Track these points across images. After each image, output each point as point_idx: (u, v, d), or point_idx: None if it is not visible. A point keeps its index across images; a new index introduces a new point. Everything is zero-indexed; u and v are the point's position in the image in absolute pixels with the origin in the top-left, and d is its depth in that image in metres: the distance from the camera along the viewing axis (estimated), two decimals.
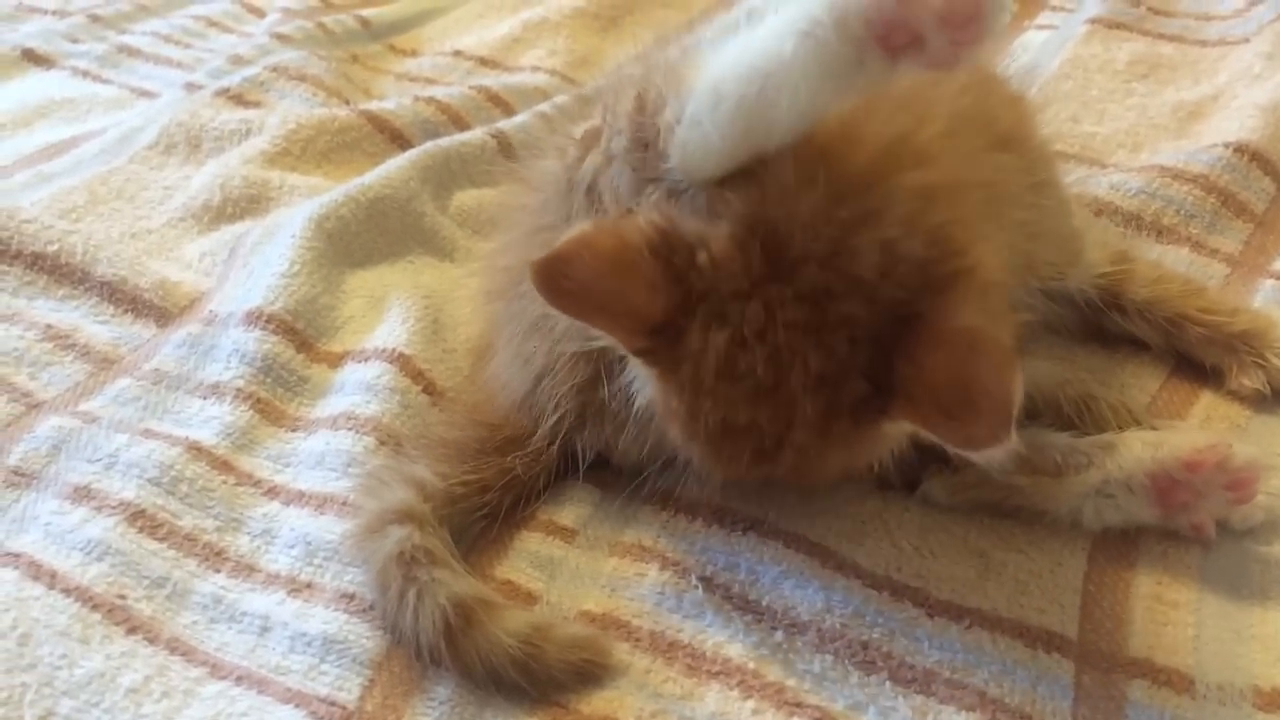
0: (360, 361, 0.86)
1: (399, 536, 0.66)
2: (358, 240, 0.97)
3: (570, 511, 0.76)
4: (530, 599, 0.70)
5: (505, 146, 1.10)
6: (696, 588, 0.70)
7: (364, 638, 0.66)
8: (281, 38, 1.35)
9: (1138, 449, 0.70)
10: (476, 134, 1.11)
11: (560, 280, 0.59)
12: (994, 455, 0.56)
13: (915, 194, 0.60)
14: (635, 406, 0.68)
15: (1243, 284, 0.92)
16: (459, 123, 1.18)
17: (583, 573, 0.72)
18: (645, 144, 0.65)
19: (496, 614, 0.64)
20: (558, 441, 0.75)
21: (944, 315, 0.58)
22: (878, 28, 0.53)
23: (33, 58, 1.36)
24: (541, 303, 0.70)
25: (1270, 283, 0.91)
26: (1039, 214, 0.73)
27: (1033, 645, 0.66)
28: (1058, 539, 0.72)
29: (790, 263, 0.59)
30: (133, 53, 1.38)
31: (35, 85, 1.30)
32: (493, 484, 0.72)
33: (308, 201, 1.00)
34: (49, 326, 0.91)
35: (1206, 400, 0.82)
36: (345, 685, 0.63)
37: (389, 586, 0.65)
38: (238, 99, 1.22)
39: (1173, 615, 0.67)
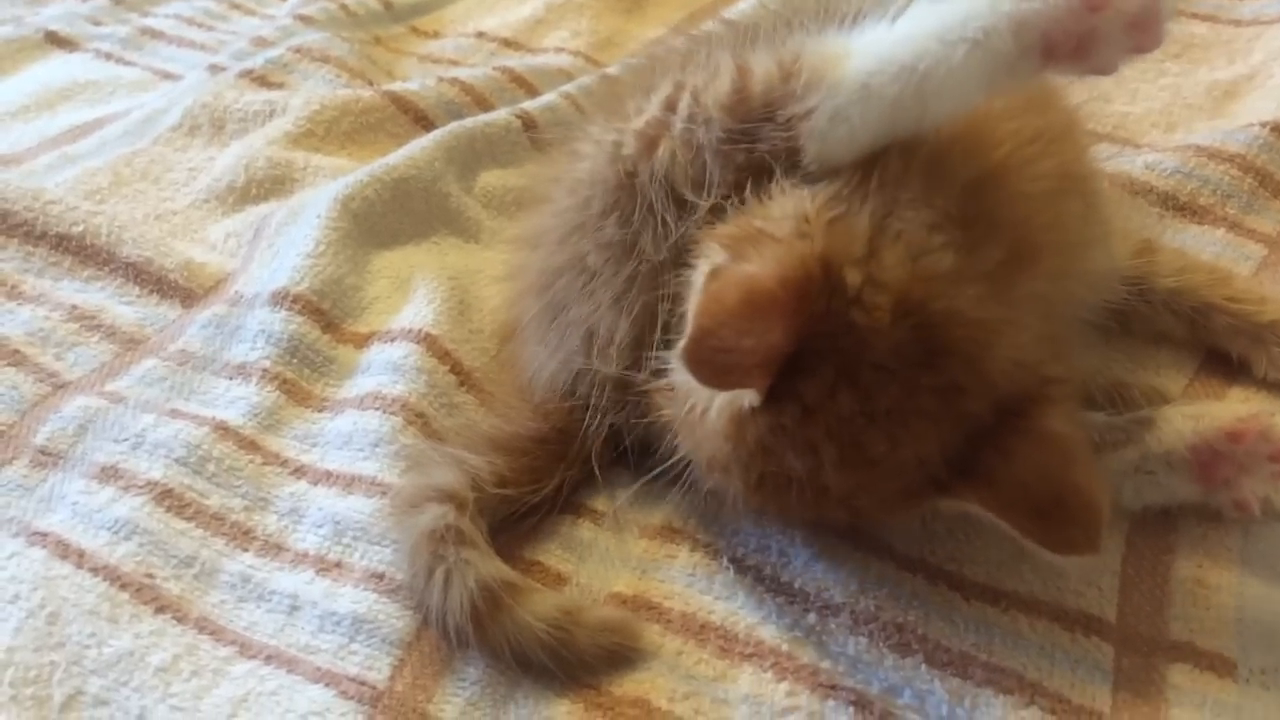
0: (386, 342, 0.85)
1: (435, 514, 0.65)
2: (383, 221, 0.96)
3: (599, 493, 0.75)
4: (560, 580, 0.69)
5: (530, 127, 1.09)
6: (728, 569, 0.69)
7: (394, 617, 0.65)
8: (304, 19, 1.34)
9: (1177, 422, 0.69)
10: (501, 114, 1.10)
11: (716, 355, 0.56)
12: (1078, 564, 0.59)
13: (1038, 300, 0.62)
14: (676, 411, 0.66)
15: (1277, 267, 0.90)
16: (483, 104, 1.17)
17: (612, 555, 0.71)
18: (747, 134, 0.64)
19: (524, 597, 0.64)
20: (597, 434, 0.74)
21: (1041, 418, 0.59)
22: (1053, 37, 0.55)
23: (55, 40, 1.35)
24: (576, 300, 0.70)
25: None
26: (1095, 249, 0.72)
27: (1071, 629, 0.65)
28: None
29: (937, 353, 0.58)
30: (155, 35, 1.37)
31: (58, 68, 1.30)
32: (542, 478, 0.72)
33: (332, 182, 1.00)
34: (75, 307, 0.90)
35: (1237, 393, 0.80)
36: (375, 665, 0.63)
37: (419, 564, 0.64)
38: (261, 80, 1.21)
39: (1214, 599, 0.66)
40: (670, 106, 0.69)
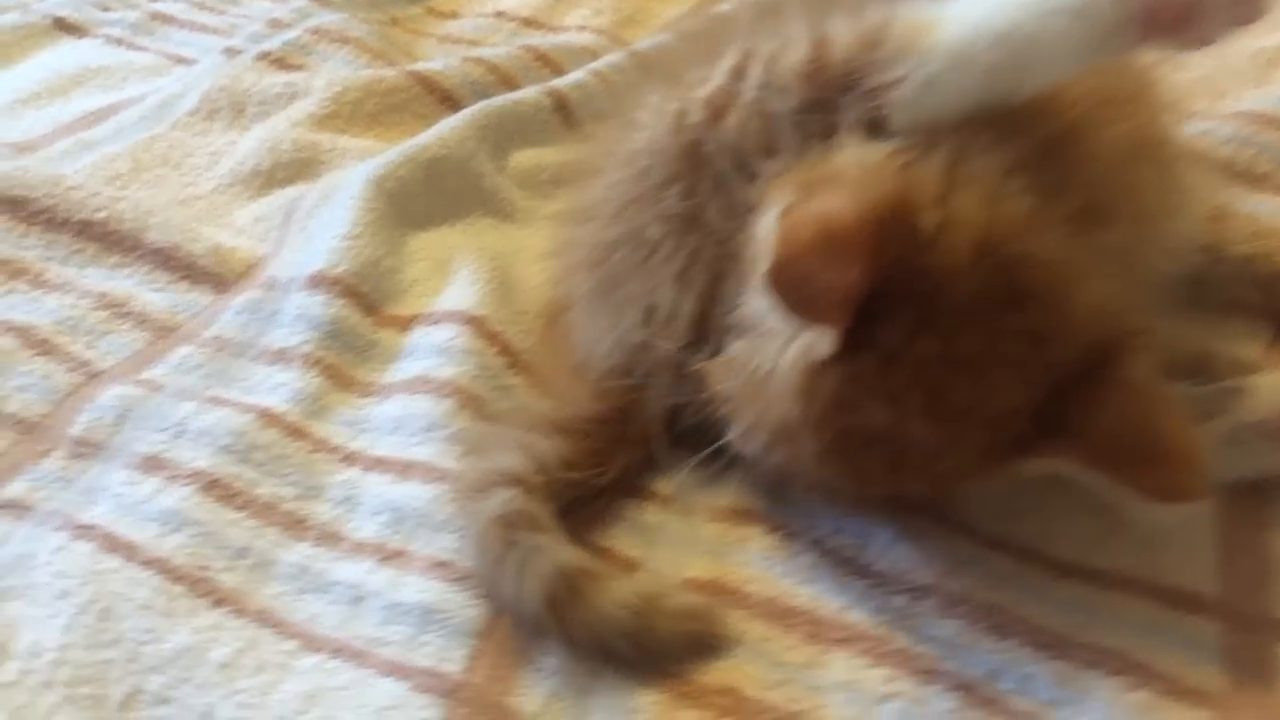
0: (430, 324, 0.82)
1: (503, 498, 0.62)
2: (417, 202, 0.93)
3: (663, 476, 0.72)
4: (630, 567, 0.66)
5: (561, 105, 1.07)
6: (806, 551, 0.66)
7: (464, 607, 0.62)
8: (319, 0, 1.31)
9: (1268, 390, 0.67)
10: (531, 93, 1.07)
11: (798, 283, 0.55)
12: (1184, 510, 0.55)
13: (1117, 255, 0.60)
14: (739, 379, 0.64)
15: None
16: (509, 83, 1.14)
17: (682, 539, 0.68)
18: (824, 104, 0.62)
19: (603, 585, 0.61)
20: (656, 414, 0.71)
21: (1126, 368, 0.57)
22: (1154, 8, 0.54)
23: (64, 26, 1.32)
24: (634, 276, 0.67)
25: None
26: (1171, 218, 0.70)
27: (1173, 606, 0.62)
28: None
29: (1019, 296, 0.56)
30: (166, 19, 1.34)
31: (68, 54, 1.27)
32: (606, 460, 0.69)
33: (363, 163, 0.96)
34: (102, 295, 0.87)
35: None
36: (449, 656, 0.60)
37: (489, 550, 0.61)
38: (279, 63, 1.18)
39: None
40: (739, 74, 0.66)
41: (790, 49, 0.64)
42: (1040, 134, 0.60)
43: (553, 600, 0.59)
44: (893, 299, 0.55)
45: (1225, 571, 0.64)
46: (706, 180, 0.67)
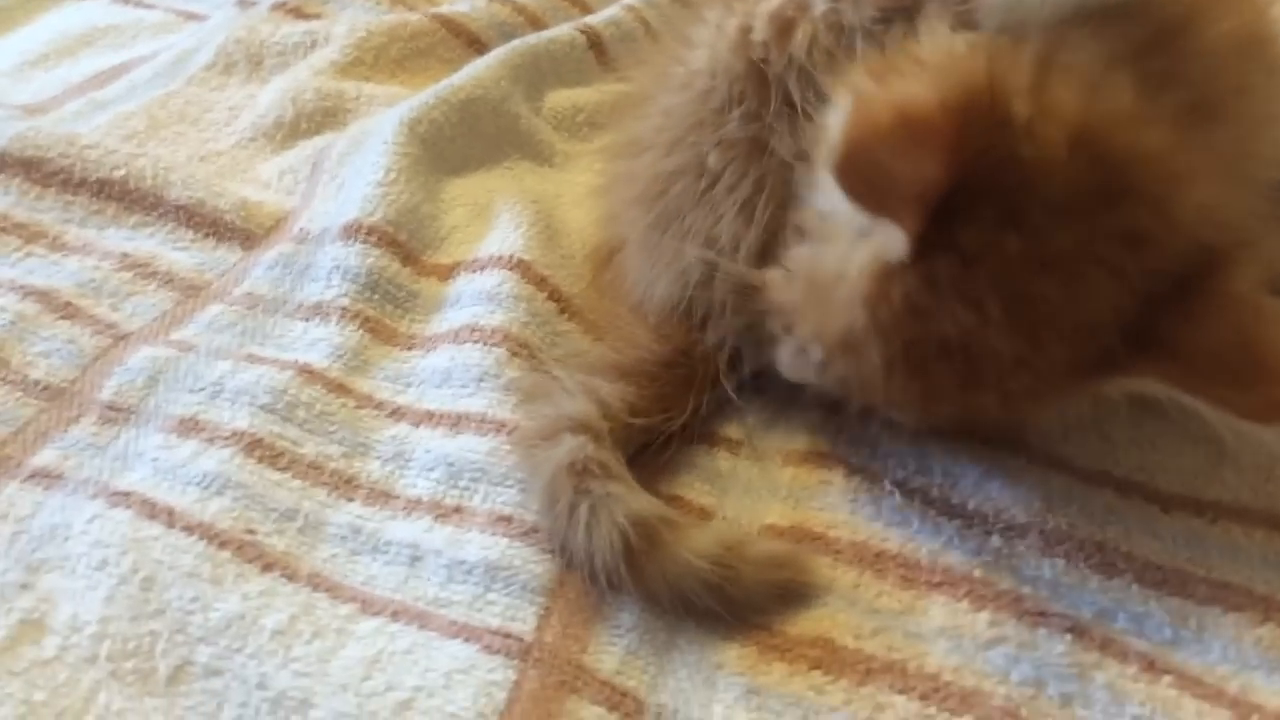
0: (475, 271, 0.77)
1: (572, 445, 0.58)
2: (453, 146, 0.88)
3: (731, 420, 0.68)
4: (704, 515, 0.62)
5: (596, 43, 1.02)
6: (891, 493, 0.62)
7: (531, 562, 0.58)
8: None
9: None
10: (565, 30, 1.02)
11: (867, 171, 0.50)
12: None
13: (1235, 147, 0.55)
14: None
15: None
16: (537, 24, 1.09)
17: (757, 485, 0.64)
18: (906, 11, 0.57)
19: (682, 533, 0.56)
20: (721, 354, 0.66)
21: (1229, 282, 0.52)
22: None
23: None
24: (694, 208, 0.63)
25: None
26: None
27: None
28: None
29: (1119, 194, 0.51)
30: None
31: (73, 15, 1.21)
32: (674, 405, 0.64)
33: (392, 109, 0.92)
34: (125, 255, 0.83)
35: None
36: (518, 615, 0.56)
37: (558, 500, 0.57)
38: (296, 12, 1.13)
39: None
40: None
41: None
42: (1145, 27, 0.55)
43: (629, 551, 0.55)
44: (977, 195, 0.50)
45: None
46: (772, 103, 0.62)
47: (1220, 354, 0.51)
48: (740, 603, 0.55)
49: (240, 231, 0.85)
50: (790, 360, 0.62)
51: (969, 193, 0.50)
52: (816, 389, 0.63)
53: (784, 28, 0.62)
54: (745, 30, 0.63)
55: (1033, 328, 0.52)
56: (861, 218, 0.53)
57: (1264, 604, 0.54)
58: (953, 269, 0.51)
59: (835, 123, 0.51)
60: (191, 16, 1.20)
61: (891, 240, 0.52)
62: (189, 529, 0.60)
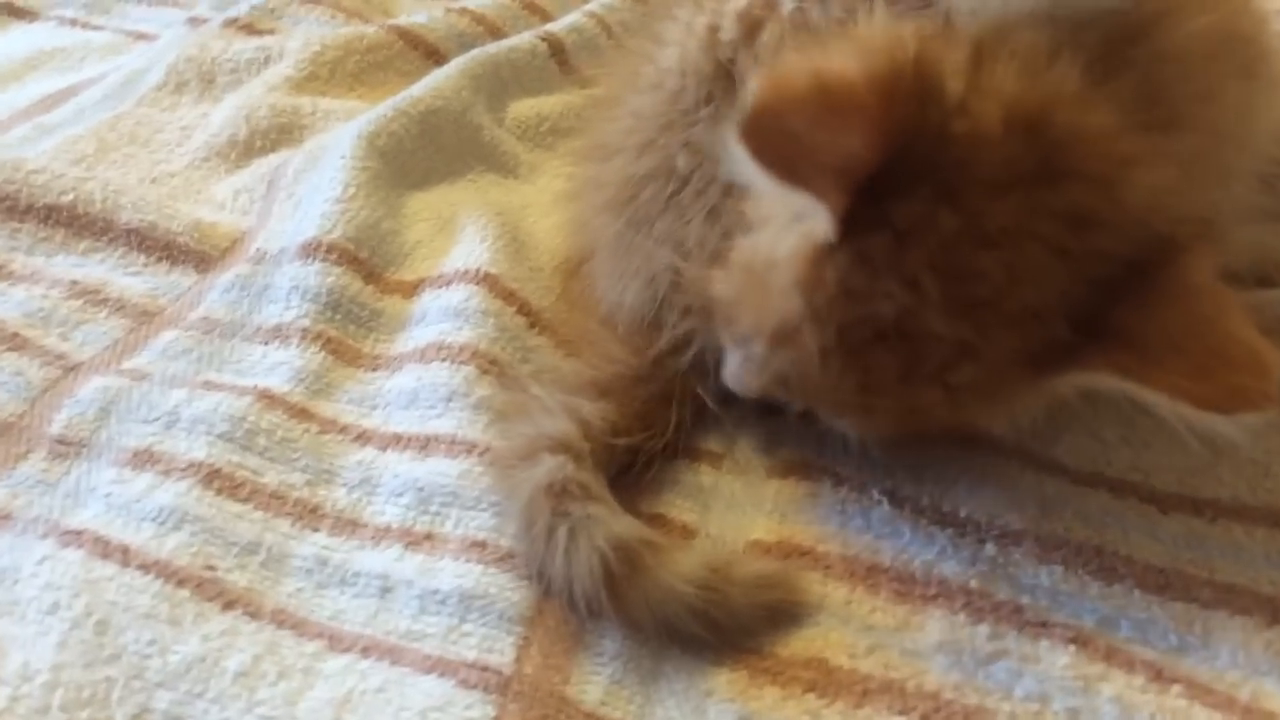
0: (440, 287, 0.75)
1: (551, 466, 0.56)
2: (414, 159, 0.86)
3: (712, 432, 0.65)
4: (688, 534, 0.60)
5: (558, 51, 0.99)
6: (880, 503, 0.59)
7: (507, 590, 0.55)
8: None
9: None
10: (525, 38, 0.99)
11: (775, 136, 0.47)
12: (1250, 420, 0.47)
13: (1195, 149, 0.53)
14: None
15: None
16: (496, 33, 1.07)
17: (741, 499, 0.61)
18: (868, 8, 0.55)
19: (666, 557, 0.54)
20: (695, 365, 0.64)
21: (1186, 272, 0.50)
22: None
23: (12, 11, 1.23)
24: (663, 213, 0.60)
25: None
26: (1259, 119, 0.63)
27: None
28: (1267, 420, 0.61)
29: (1061, 173, 0.49)
30: None
31: (20, 38, 1.18)
32: (656, 421, 0.62)
33: (350, 123, 0.89)
34: (74, 283, 0.79)
35: None
36: (496, 646, 0.53)
37: (535, 523, 0.55)
38: (248, 28, 1.10)
39: None
40: None
41: None
42: (1105, 29, 0.53)
43: (609, 577, 0.52)
44: (911, 171, 0.48)
45: None
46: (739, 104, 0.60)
47: (1176, 343, 0.49)
48: (728, 628, 0.53)
49: (194, 254, 0.82)
50: (733, 371, 0.59)
51: (903, 169, 0.48)
52: (762, 399, 0.60)
53: (751, 27, 0.60)
54: (714, 29, 0.61)
55: (973, 308, 0.50)
56: (795, 200, 0.51)
57: (1270, 605, 0.52)
58: (887, 247, 0.49)
59: (750, 90, 0.49)
60: (141, 36, 1.16)
61: (819, 219, 0.50)
62: (145, 567, 0.57)
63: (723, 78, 0.61)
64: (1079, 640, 0.51)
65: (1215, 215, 0.57)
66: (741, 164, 0.49)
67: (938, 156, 0.48)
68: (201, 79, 1.03)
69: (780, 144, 0.47)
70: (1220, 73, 0.58)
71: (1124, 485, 0.59)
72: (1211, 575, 0.54)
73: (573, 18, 1.03)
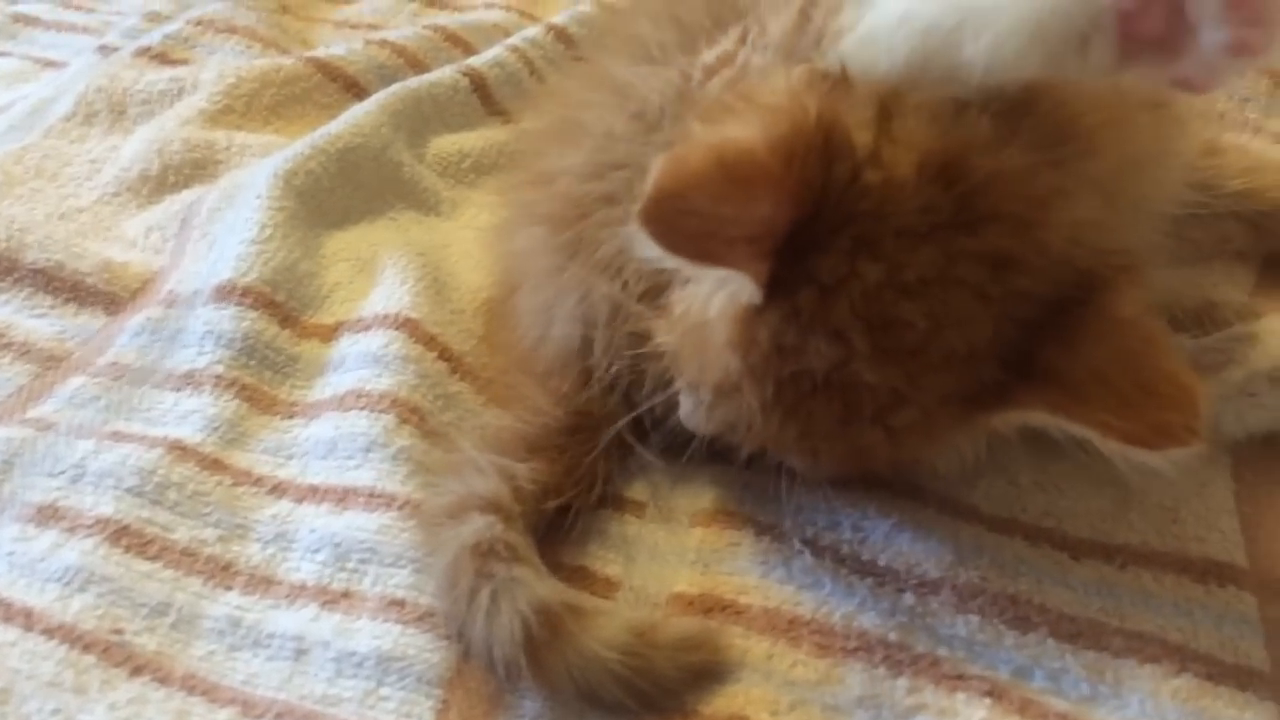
0: (359, 332, 0.74)
1: (479, 525, 0.55)
2: (332, 197, 0.84)
3: (636, 479, 0.65)
4: (610, 587, 0.59)
5: (480, 85, 0.98)
6: (802, 552, 0.60)
7: (426, 651, 0.54)
8: None
9: None
10: (447, 72, 0.98)
11: (677, 218, 0.47)
12: (1178, 455, 0.48)
13: (1116, 173, 0.53)
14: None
15: None
16: (417, 66, 1.05)
17: (664, 550, 0.61)
18: (802, 59, 0.55)
19: (589, 622, 0.53)
20: (617, 402, 0.64)
21: (1111, 304, 0.50)
22: (1130, 1, 0.44)
23: None
24: (615, 240, 0.60)
25: None
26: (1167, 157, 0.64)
27: (1203, 580, 0.57)
28: (1195, 457, 0.62)
29: (979, 217, 0.49)
30: (30, 21, 1.22)
31: None
32: (584, 475, 0.62)
33: (267, 159, 0.87)
34: None
35: None
36: (414, 710, 0.52)
37: (458, 583, 0.54)
38: (161, 58, 1.08)
39: None
40: (743, 39, 0.60)
41: (784, 10, 0.58)
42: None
43: (530, 642, 0.52)
44: (830, 226, 0.49)
45: (1251, 535, 0.60)
46: None
47: (1103, 379, 0.49)
48: (652, 693, 0.52)
49: (103, 295, 0.80)
50: (688, 412, 0.59)
51: (821, 224, 0.49)
52: (717, 439, 0.61)
53: (708, 74, 0.60)
54: (686, 78, 0.61)
55: (901, 357, 0.51)
56: (715, 271, 0.51)
57: (1178, 653, 0.53)
58: (813, 302, 0.50)
59: (649, 174, 0.49)
60: (49, 64, 1.13)
61: (742, 284, 0.50)
62: (49, 632, 0.55)
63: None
64: (994, 693, 0.52)
65: (1138, 246, 0.58)
66: (648, 248, 0.49)
67: (853, 208, 0.49)
68: (112, 110, 1.00)
69: (686, 225, 0.48)
70: (1129, 102, 0.60)
71: (1038, 532, 0.60)
72: (1122, 623, 0.55)
73: (495, 52, 1.02)
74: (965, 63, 0.49)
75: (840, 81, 0.52)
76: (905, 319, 0.50)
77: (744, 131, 0.48)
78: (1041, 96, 0.53)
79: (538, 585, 0.53)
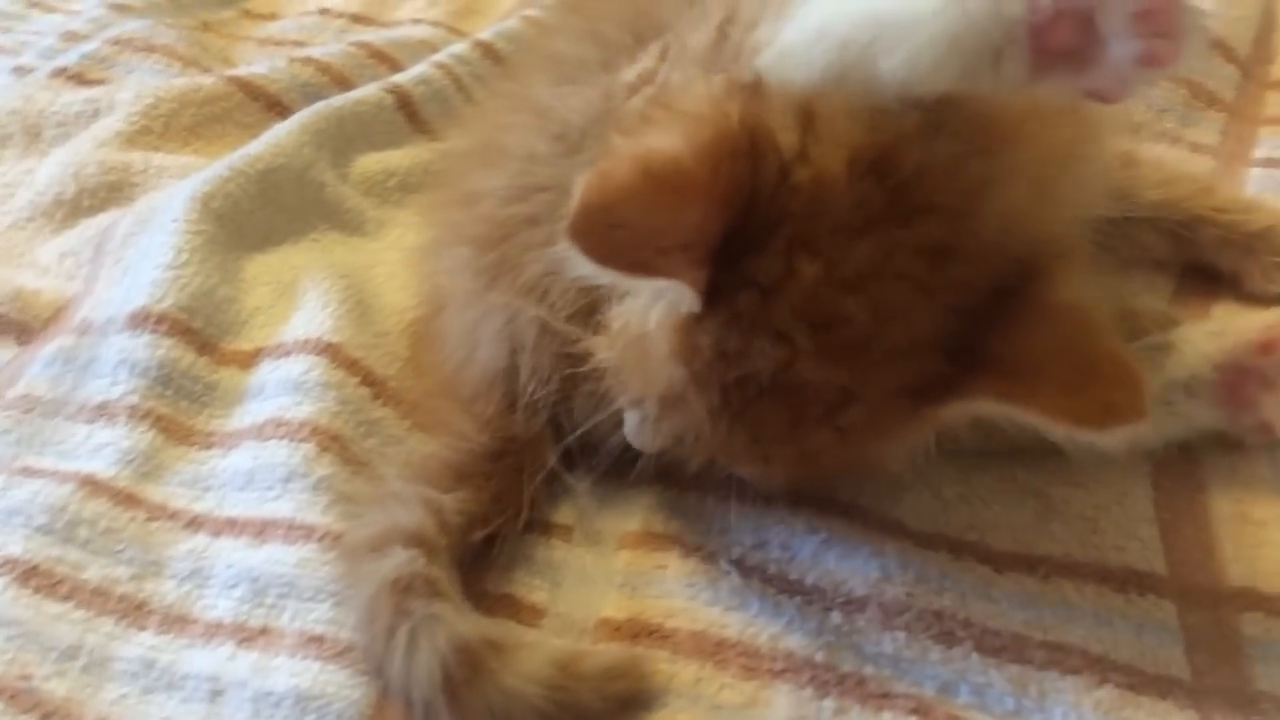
0: (279, 358, 0.72)
1: (400, 560, 0.54)
2: (252, 220, 0.83)
3: (562, 503, 0.64)
4: (535, 614, 0.59)
5: (405, 103, 0.97)
6: (729, 573, 0.59)
7: (346, 688, 0.53)
8: (119, 8, 1.18)
9: (1200, 342, 0.63)
10: (371, 91, 0.97)
11: (607, 232, 0.47)
12: (1125, 433, 0.48)
13: (1042, 162, 0.53)
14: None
15: (1228, 177, 0.86)
16: (343, 83, 1.04)
17: (591, 573, 0.61)
18: (713, 69, 0.55)
19: (510, 658, 0.52)
20: (543, 425, 0.63)
21: (1049, 292, 0.51)
22: (1040, 15, 0.44)
23: None
24: (540, 262, 0.60)
25: (1257, 171, 0.86)
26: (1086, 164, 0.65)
27: (1123, 589, 0.58)
28: (1115, 466, 0.63)
29: (913, 209, 0.49)
30: None
31: None
32: (511, 502, 0.61)
33: (184, 181, 0.85)
34: None
35: (1222, 309, 0.74)
36: None
37: (377, 619, 0.53)
38: (78, 78, 1.05)
39: (1264, 535, 0.60)
40: (663, 56, 0.60)
41: (702, 26, 0.59)
42: None
43: (449, 680, 0.51)
44: (764, 227, 0.49)
45: (1169, 543, 0.60)
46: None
47: (1046, 363, 0.50)
48: None
49: (14, 324, 0.78)
50: (633, 429, 0.59)
51: (754, 226, 0.49)
52: (665, 455, 0.60)
53: (630, 91, 0.60)
54: (608, 96, 0.61)
55: (845, 354, 0.50)
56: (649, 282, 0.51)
57: (1099, 664, 0.54)
58: (753, 305, 0.50)
59: (575, 191, 0.48)
60: None
61: (680, 293, 0.50)
62: None
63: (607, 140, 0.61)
64: (920, 710, 0.52)
65: (1070, 232, 0.58)
66: (580, 265, 0.48)
67: (785, 208, 0.49)
68: (26, 132, 0.98)
69: (617, 238, 0.47)
70: (1045, 107, 0.60)
71: (962, 545, 0.61)
72: (1045, 635, 0.55)
73: (421, 69, 1.01)
74: (882, 76, 0.49)
75: (760, 88, 0.52)
76: (846, 315, 0.50)
77: (667, 140, 0.48)
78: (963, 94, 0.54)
79: (457, 622, 0.53)
